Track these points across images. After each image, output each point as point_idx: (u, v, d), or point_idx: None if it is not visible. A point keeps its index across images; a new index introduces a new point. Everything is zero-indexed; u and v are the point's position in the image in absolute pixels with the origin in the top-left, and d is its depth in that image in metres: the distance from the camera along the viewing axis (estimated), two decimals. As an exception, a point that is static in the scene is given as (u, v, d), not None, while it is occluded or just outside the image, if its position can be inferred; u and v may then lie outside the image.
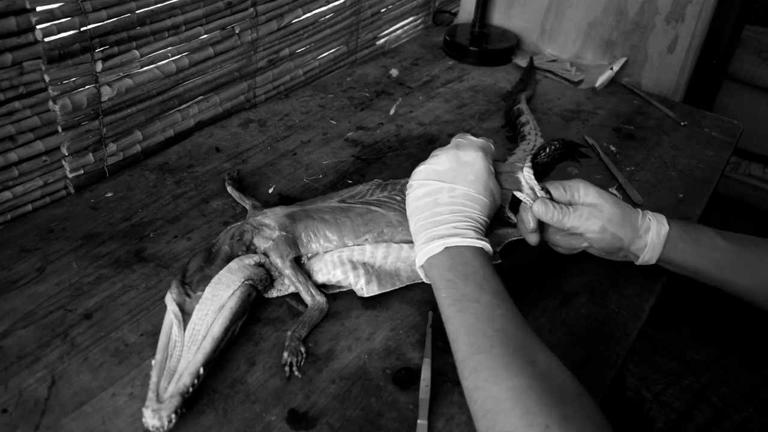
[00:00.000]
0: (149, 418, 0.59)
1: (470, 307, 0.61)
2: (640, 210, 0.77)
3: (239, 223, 0.79)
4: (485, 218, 0.72)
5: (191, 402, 0.64)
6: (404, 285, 0.79)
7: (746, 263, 0.75)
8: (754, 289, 0.74)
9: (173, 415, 0.60)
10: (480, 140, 0.77)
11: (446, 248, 0.67)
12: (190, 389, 0.62)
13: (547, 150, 0.83)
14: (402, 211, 0.80)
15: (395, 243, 0.79)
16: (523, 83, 1.26)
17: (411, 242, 0.78)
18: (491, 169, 0.75)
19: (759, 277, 0.74)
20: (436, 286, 0.66)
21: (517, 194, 0.78)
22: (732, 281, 0.75)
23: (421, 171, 0.75)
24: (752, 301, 0.75)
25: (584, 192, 0.76)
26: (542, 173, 0.84)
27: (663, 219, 0.76)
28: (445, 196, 0.71)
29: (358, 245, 0.78)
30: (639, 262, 0.78)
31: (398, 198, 0.83)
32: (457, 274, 0.64)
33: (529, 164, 0.79)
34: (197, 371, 0.63)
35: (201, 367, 0.63)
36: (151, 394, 0.61)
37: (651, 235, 0.75)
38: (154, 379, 0.62)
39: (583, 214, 0.75)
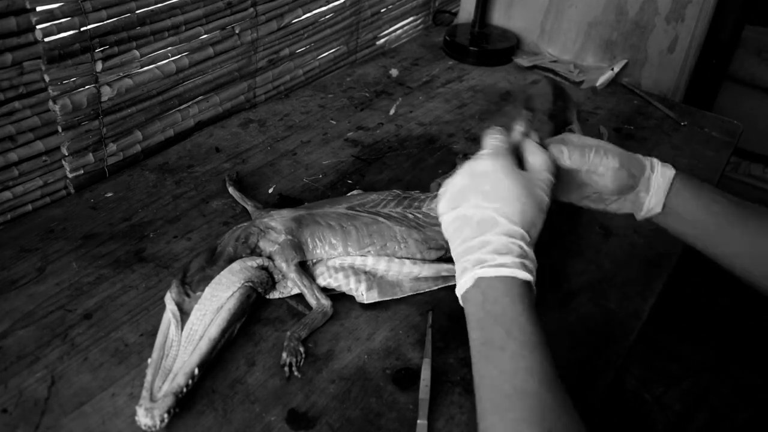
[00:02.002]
0: (142, 417, 0.59)
1: (495, 356, 0.57)
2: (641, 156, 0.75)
3: (245, 225, 0.79)
4: (522, 229, 0.62)
5: (191, 402, 0.64)
6: (406, 295, 0.78)
7: (743, 222, 0.72)
8: (744, 253, 0.72)
9: (166, 415, 0.60)
10: (489, 141, 0.67)
11: (477, 281, 0.60)
12: (184, 389, 0.62)
13: None
14: (411, 227, 0.79)
15: (397, 258, 0.78)
16: (563, 101, 1.23)
17: (413, 258, 0.78)
18: (513, 168, 0.64)
19: (751, 239, 0.71)
20: (468, 326, 0.61)
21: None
22: (725, 242, 0.72)
23: (445, 192, 0.66)
24: (741, 268, 0.72)
25: (583, 140, 0.73)
26: None
27: (668, 165, 0.73)
28: (473, 216, 0.63)
29: (361, 256, 0.77)
30: (642, 212, 0.73)
31: (410, 216, 0.81)
32: (487, 314, 0.59)
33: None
34: (192, 372, 0.63)
35: (196, 367, 0.64)
36: (145, 393, 0.61)
37: (656, 177, 0.72)
38: (148, 377, 0.62)
39: (599, 152, 0.72)
